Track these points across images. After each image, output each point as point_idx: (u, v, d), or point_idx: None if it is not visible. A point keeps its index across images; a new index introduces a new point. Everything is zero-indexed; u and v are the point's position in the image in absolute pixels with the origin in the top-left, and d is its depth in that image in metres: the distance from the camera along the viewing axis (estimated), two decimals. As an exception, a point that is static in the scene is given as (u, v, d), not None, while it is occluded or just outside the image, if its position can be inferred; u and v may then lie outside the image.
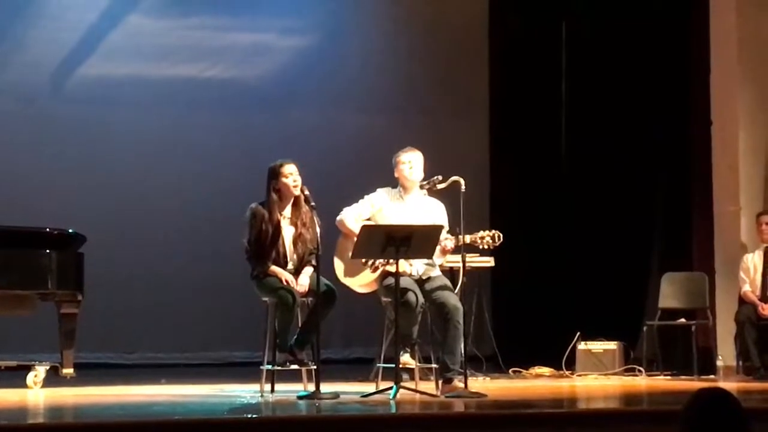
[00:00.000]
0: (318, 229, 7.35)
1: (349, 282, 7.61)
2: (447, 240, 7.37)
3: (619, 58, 11.27)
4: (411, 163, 7.60)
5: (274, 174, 7.55)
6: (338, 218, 7.63)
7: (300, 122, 11.43)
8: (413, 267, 7.50)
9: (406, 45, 11.98)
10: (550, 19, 12.04)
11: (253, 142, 11.22)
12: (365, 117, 11.68)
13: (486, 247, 7.54)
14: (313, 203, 7.41)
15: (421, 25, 12.01)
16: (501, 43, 12.07)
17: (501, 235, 7.43)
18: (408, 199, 7.65)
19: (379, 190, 7.71)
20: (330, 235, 7.62)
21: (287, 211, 7.58)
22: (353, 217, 7.60)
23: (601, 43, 11.49)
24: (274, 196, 7.55)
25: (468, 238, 7.38)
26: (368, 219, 7.60)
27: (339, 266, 7.60)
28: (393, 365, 7.18)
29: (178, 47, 11.41)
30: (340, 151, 11.30)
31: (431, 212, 7.59)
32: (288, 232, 7.57)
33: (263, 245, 7.50)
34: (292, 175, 7.50)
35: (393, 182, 7.72)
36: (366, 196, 7.70)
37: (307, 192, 7.45)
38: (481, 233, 7.44)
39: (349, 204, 7.70)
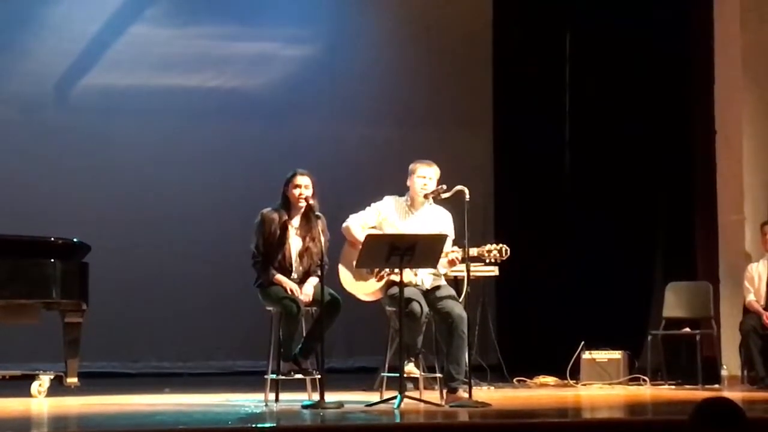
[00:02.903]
0: (323, 238, 7.35)
1: (353, 290, 7.59)
2: (453, 253, 7.36)
3: (622, 68, 11.28)
4: (427, 178, 7.56)
5: (286, 182, 7.58)
6: (344, 225, 7.63)
7: (304, 132, 11.45)
8: (418, 277, 7.49)
9: (410, 55, 12.00)
10: (553, 30, 12.05)
11: (257, 152, 11.25)
12: (369, 127, 11.70)
13: (493, 260, 7.54)
14: (318, 213, 7.42)
15: (425, 35, 12.02)
16: (505, 54, 12.08)
17: (508, 249, 7.39)
18: (416, 212, 7.63)
19: (386, 198, 7.69)
20: (335, 246, 7.63)
21: (296, 220, 7.59)
22: (359, 225, 7.59)
23: (604, 53, 11.50)
24: (284, 203, 7.58)
25: (475, 251, 7.37)
26: (374, 227, 7.59)
27: (344, 274, 7.59)
28: (397, 374, 7.18)
29: (182, 57, 11.43)
30: (344, 161, 11.31)
31: (437, 223, 7.56)
32: (295, 242, 7.57)
33: (269, 250, 7.51)
34: (300, 187, 7.51)
35: (398, 192, 7.70)
36: (373, 204, 7.68)
37: (311, 202, 7.46)
38: (488, 246, 7.43)
39: (353, 214, 7.69)
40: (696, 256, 10.76)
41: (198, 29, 11.57)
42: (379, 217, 7.62)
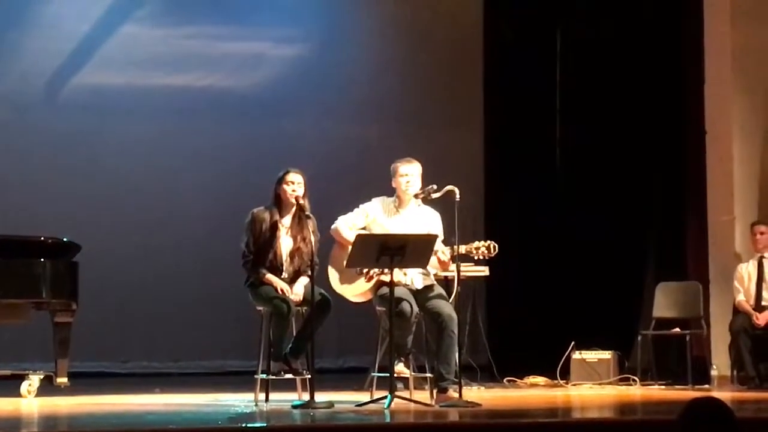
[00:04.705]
0: (313, 238, 7.35)
1: (343, 291, 7.60)
2: (442, 253, 7.36)
3: (613, 68, 11.29)
4: (409, 176, 7.58)
5: (278, 180, 7.58)
6: (333, 227, 7.64)
7: (295, 131, 11.44)
8: (408, 277, 7.49)
9: (401, 54, 11.99)
10: (544, 29, 12.05)
11: (248, 151, 11.25)
12: (360, 126, 11.70)
13: (481, 257, 7.55)
14: (308, 213, 7.42)
15: (415, 34, 12.02)
16: (495, 53, 12.07)
17: (496, 246, 7.42)
18: (403, 211, 7.64)
19: (374, 199, 7.70)
20: (325, 246, 7.63)
21: (287, 220, 7.59)
22: (347, 226, 7.60)
23: (595, 52, 11.51)
24: (275, 202, 7.57)
25: (463, 249, 7.38)
26: (362, 228, 7.59)
27: (333, 275, 7.59)
28: (387, 374, 7.18)
29: (173, 56, 11.41)
30: (334, 161, 11.30)
31: (426, 223, 7.57)
32: (286, 242, 7.56)
33: (259, 249, 7.51)
34: (293, 184, 7.51)
35: (389, 191, 7.71)
36: (361, 206, 7.69)
37: (302, 202, 7.46)
38: (476, 243, 7.44)
39: (343, 213, 7.70)
40: (686, 256, 10.77)
41: (188, 29, 11.55)
42: (368, 219, 7.63)
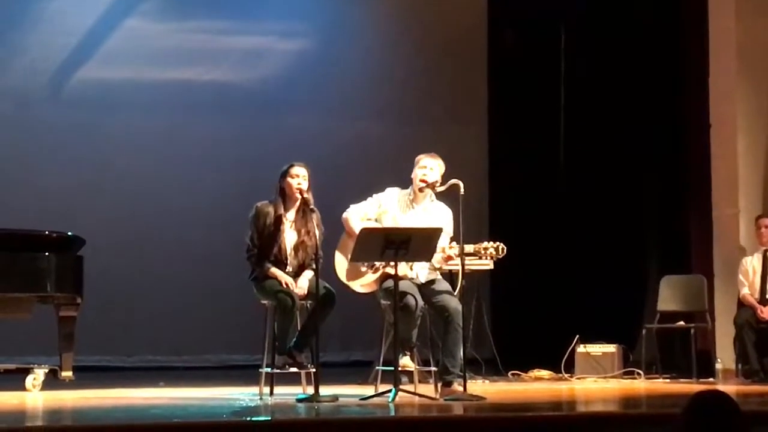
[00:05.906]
0: (317, 232, 7.35)
1: (348, 280, 7.58)
2: (450, 249, 7.35)
3: (618, 63, 11.28)
4: (427, 168, 7.53)
5: (282, 173, 7.58)
6: (344, 215, 7.61)
7: (298, 126, 11.44)
8: (413, 271, 7.48)
9: (406, 51, 11.99)
10: (548, 25, 12.04)
11: (252, 146, 11.25)
12: (364, 122, 11.69)
13: (489, 258, 7.54)
14: (312, 206, 7.42)
15: (420, 31, 12.02)
16: (500, 50, 12.08)
17: (505, 248, 7.40)
18: (417, 206, 7.58)
19: (388, 189, 7.65)
20: (330, 239, 7.62)
21: (291, 214, 7.59)
22: (358, 216, 7.57)
23: (599, 49, 11.51)
24: (280, 196, 7.57)
25: (472, 248, 7.37)
26: (370, 219, 7.57)
27: (340, 263, 7.57)
28: (392, 368, 7.18)
29: (177, 51, 11.42)
30: (338, 156, 11.30)
31: (436, 218, 7.51)
32: (290, 236, 7.56)
33: (264, 243, 7.51)
34: (297, 177, 7.51)
35: (393, 186, 7.69)
36: (374, 195, 7.65)
37: (306, 195, 7.46)
38: (485, 244, 7.42)
39: (346, 208, 7.67)
40: (690, 249, 10.78)
41: (192, 23, 11.56)
42: (380, 209, 7.60)
